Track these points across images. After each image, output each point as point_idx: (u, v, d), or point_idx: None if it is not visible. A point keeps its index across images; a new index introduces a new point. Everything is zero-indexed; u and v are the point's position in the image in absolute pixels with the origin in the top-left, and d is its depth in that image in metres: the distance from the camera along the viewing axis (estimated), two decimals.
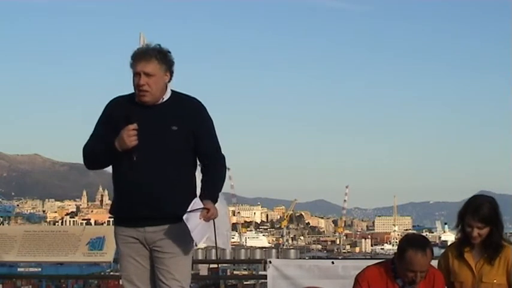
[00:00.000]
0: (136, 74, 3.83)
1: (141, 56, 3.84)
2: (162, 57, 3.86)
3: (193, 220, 3.76)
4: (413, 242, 3.93)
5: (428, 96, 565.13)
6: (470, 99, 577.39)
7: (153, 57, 3.82)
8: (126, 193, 3.89)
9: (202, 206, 3.78)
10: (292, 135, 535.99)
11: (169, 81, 3.95)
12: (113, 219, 4.07)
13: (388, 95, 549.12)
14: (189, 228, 3.74)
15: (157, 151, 3.82)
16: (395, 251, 4.03)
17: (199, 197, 3.86)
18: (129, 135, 3.77)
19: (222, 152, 4.03)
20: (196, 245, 3.86)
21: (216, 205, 3.88)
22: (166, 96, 3.93)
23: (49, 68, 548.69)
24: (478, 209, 4.00)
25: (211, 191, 3.89)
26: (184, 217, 3.74)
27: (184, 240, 3.87)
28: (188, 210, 3.75)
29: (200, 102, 4.01)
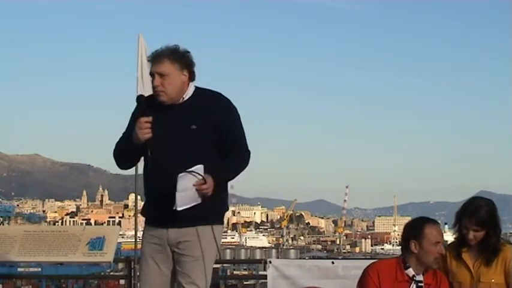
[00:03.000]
0: (151, 75, 3.83)
1: (154, 57, 3.83)
2: (175, 56, 3.81)
3: (186, 182, 3.63)
4: (423, 219, 4.04)
5: (428, 96, 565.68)
6: (470, 99, 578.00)
7: (165, 58, 3.79)
8: (149, 193, 3.91)
9: (202, 174, 3.64)
10: (292, 135, 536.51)
11: (192, 81, 3.89)
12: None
13: (388, 95, 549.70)
14: (177, 187, 3.60)
15: (177, 151, 3.77)
16: (402, 243, 4.01)
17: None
18: (141, 128, 3.71)
19: (248, 148, 3.92)
20: (176, 208, 3.62)
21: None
22: (188, 95, 3.87)
23: (49, 68, 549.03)
24: (475, 212, 3.99)
25: (220, 171, 3.74)
26: (180, 174, 3.62)
27: (206, 243, 3.80)
28: (188, 170, 3.63)
29: (224, 98, 3.92)
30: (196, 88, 3.92)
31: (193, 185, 3.61)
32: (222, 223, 3.99)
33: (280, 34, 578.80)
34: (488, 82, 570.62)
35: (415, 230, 3.97)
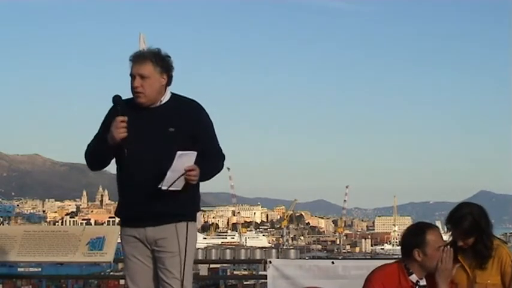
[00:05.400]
0: (131, 76, 3.91)
1: (137, 58, 3.92)
2: (158, 59, 3.91)
3: (180, 164, 3.74)
4: (422, 225, 4.01)
5: (428, 96, 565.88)
6: (470, 99, 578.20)
7: (147, 60, 3.89)
8: (125, 194, 4.01)
9: (193, 161, 3.76)
10: (292, 135, 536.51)
11: (168, 85, 3.99)
12: (117, 219, 4.13)
13: (388, 95, 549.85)
14: (172, 165, 3.72)
15: (153, 152, 3.87)
16: (403, 250, 3.97)
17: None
18: (117, 127, 3.81)
19: (223, 153, 4.08)
20: (162, 187, 3.77)
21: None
22: (165, 98, 3.99)
23: (49, 68, 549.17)
24: (458, 223, 4.02)
25: (204, 167, 3.86)
26: (179, 153, 3.73)
27: (183, 239, 3.91)
28: (185, 152, 3.75)
29: (199, 105, 4.04)
30: (172, 94, 4.04)
31: (185, 169, 3.75)
32: (196, 221, 4.12)
33: (280, 34, 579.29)
34: (489, 82, 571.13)
35: (417, 238, 3.92)
